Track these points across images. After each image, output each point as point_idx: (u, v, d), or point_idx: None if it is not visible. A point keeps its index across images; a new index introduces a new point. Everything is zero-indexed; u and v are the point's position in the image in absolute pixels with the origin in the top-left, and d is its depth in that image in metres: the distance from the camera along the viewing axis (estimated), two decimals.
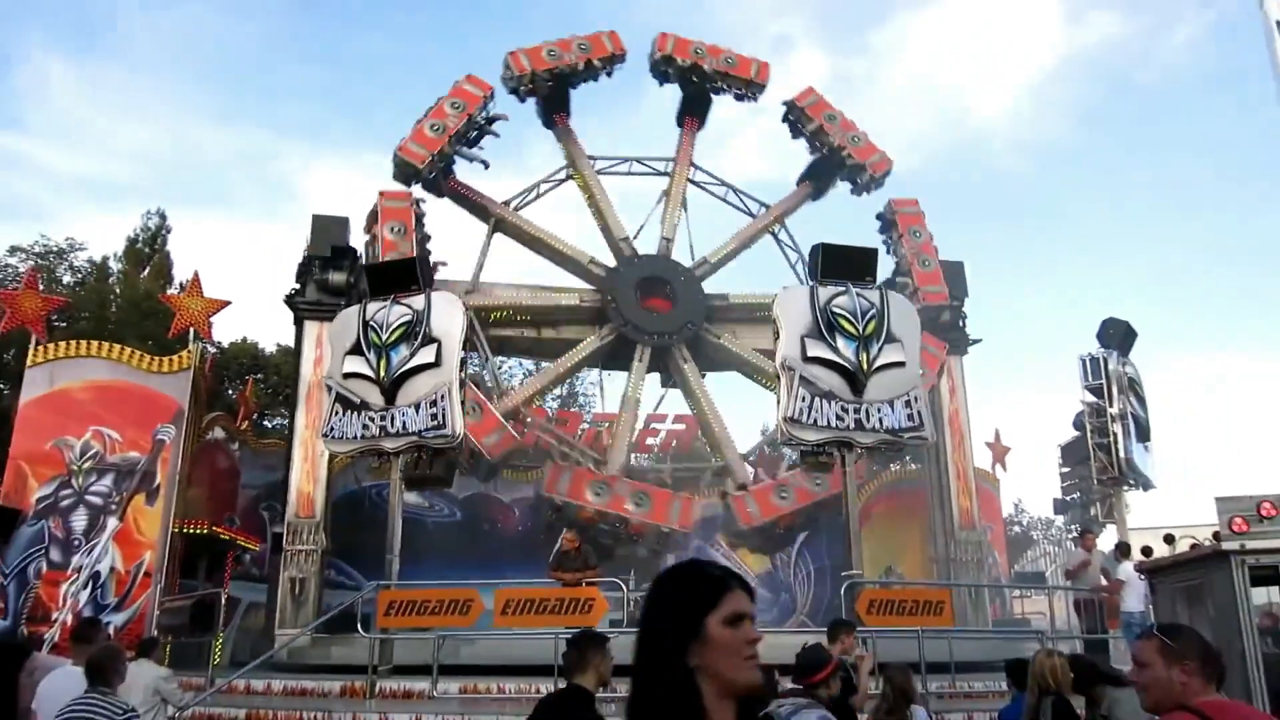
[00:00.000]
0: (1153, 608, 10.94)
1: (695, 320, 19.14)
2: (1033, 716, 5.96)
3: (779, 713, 3.46)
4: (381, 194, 18.03)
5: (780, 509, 17.75)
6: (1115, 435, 16.98)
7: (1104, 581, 12.77)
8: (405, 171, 17.66)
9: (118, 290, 33.53)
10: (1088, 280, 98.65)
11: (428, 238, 18.46)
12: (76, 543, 14.81)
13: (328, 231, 18.20)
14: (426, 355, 12.85)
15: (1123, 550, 12.70)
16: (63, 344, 16.59)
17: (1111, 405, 17.07)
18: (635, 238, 20.00)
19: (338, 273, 17.84)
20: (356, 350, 13.13)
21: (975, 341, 20.51)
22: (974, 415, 19.29)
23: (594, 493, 16.73)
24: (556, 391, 39.98)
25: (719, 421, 19.51)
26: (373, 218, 17.89)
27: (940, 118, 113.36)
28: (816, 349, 12.68)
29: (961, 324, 20.33)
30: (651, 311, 19.09)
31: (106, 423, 15.45)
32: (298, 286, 18.16)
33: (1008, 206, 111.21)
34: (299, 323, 17.99)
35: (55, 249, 32.45)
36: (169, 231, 38.02)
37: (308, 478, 16.65)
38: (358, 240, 18.44)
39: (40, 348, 16.07)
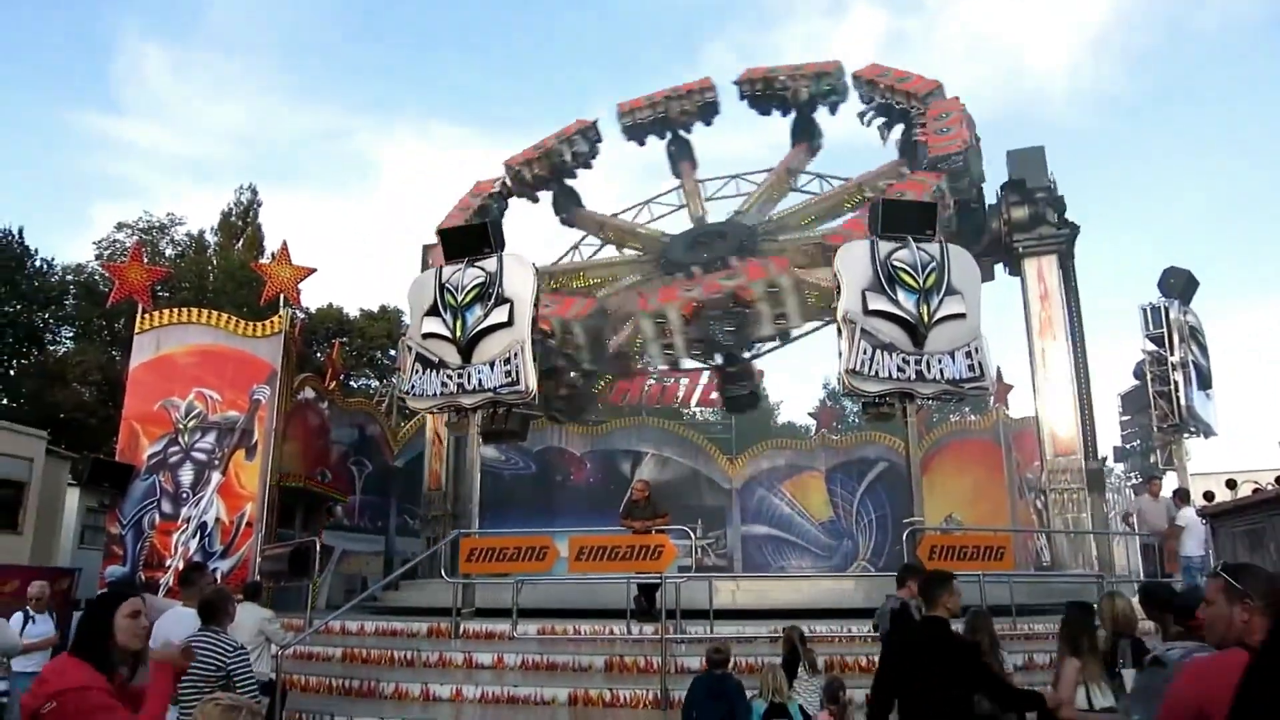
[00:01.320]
0: (1213, 551, 11.03)
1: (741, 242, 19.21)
2: (1109, 659, 5.96)
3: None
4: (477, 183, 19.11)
5: None
6: (1176, 383, 16.76)
7: (1165, 527, 12.79)
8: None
9: (214, 261, 35.15)
10: (1150, 231, 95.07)
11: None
12: (185, 495, 15.90)
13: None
14: (500, 315, 13.36)
15: (1182, 496, 12.65)
16: (166, 312, 17.57)
17: (1173, 354, 16.82)
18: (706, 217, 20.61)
19: None
20: (434, 311, 13.73)
21: (1066, 226, 17.96)
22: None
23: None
24: None
25: None
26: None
27: (996, 74, 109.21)
28: (877, 302, 12.80)
29: (1052, 215, 17.81)
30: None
31: (207, 384, 16.42)
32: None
33: (1067, 159, 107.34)
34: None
35: (157, 224, 34.18)
36: (260, 205, 39.68)
37: (436, 457, 18.97)
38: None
39: (146, 316, 17.10)
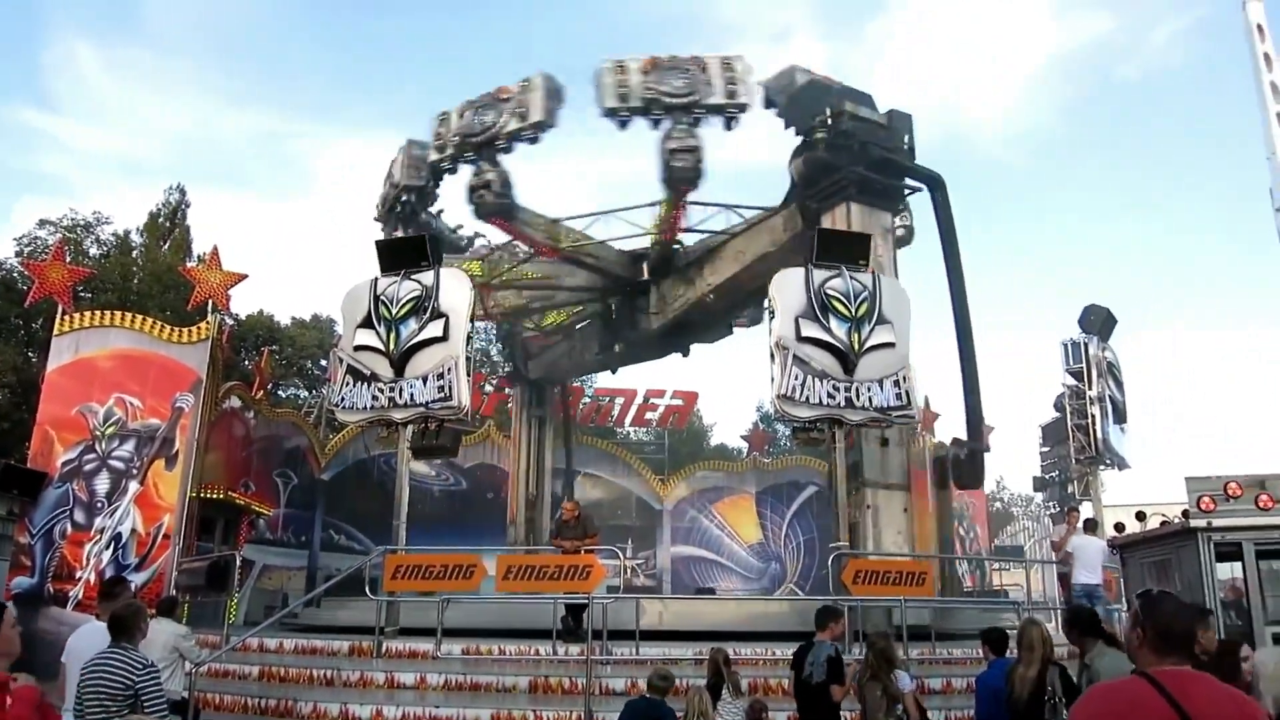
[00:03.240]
0: (1123, 580, 11.39)
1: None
2: (1038, 688, 6.06)
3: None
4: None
5: None
6: (1094, 417, 17.45)
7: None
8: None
9: (140, 263, 34.17)
10: (1074, 265, 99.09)
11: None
12: (99, 505, 15.39)
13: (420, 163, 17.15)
14: (434, 329, 13.24)
15: (1088, 525, 12.98)
16: (87, 314, 17.06)
17: (1091, 388, 17.50)
18: None
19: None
20: (367, 323, 13.54)
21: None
22: (957, 394, 18.82)
23: None
24: None
25: None
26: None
27: (932, 111, 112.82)
28: (810, 329, 13.03)
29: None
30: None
31: (128, 390, 15.97)
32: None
33: (996, 196, 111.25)
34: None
35: (82, 222, 33.07)
36: (188, 206, 38.72)
37: None
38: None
39: (66, 318, 16.57)
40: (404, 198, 17.36)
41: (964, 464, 15.17)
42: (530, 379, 22.23)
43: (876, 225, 15.73)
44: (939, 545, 19.46)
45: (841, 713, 7.85)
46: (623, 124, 16.49)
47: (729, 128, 16.55)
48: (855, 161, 15.75)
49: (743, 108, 16.57)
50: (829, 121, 16.04)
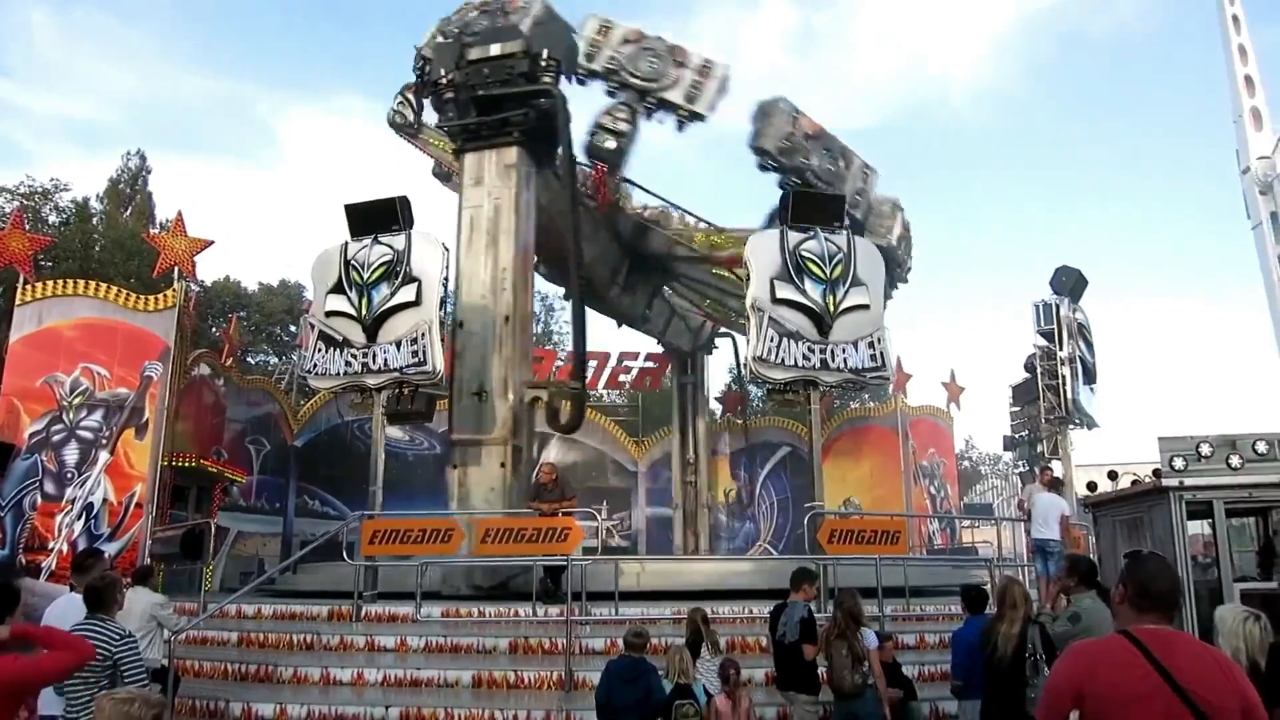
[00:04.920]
0: (1093, 538, 11.60)
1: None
2: (1019, 646, 6.21)
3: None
4: None
5: None
6: (1064, 378, 17.70)
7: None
8: None
9: (101, 230, 33.49)
10: (1045, 225, 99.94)
11: None
12: (69, 475, 15.22)
13: (567, 47, 15.74)
14: (407, 294, 13.13)
15: (1051, 483, 13.00)
16: (50, 283, 16.76)
17: (1061, 349, 17.72)
18: None
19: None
20: (338, 289, 13.40)
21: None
22: (929, 355, 19.57)
23: None
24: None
25: None
26: None
27: (902, 71, 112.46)
28: (785, 291, 13.06)
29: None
30: None
31: (95, 360, 15.74)
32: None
33: (967, 157, 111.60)
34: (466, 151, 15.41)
35: (40, 190, 32.29)
36: (149, 172, 38.02)
37: None
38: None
39: (28, 287, 16.26)
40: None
41: (569, 408, 14.46)
42: None
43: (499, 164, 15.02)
44: (907, 503, 19.79)
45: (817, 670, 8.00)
46: (581, 81, 16.32)
47: (680, 128, 16.55)
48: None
49: (695, 115, 16.51)
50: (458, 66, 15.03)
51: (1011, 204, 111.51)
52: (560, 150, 15.13)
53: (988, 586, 10.16)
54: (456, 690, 9.74)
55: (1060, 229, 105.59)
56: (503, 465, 13.85)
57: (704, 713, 7.23)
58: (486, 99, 14.90)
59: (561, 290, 23.99)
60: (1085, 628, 6.04)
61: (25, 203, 29.85)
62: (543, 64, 14.78)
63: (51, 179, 32.99)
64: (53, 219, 32.44)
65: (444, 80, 15.02)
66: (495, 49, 14.94)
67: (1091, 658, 2.90)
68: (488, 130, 15.05)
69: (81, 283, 16.98)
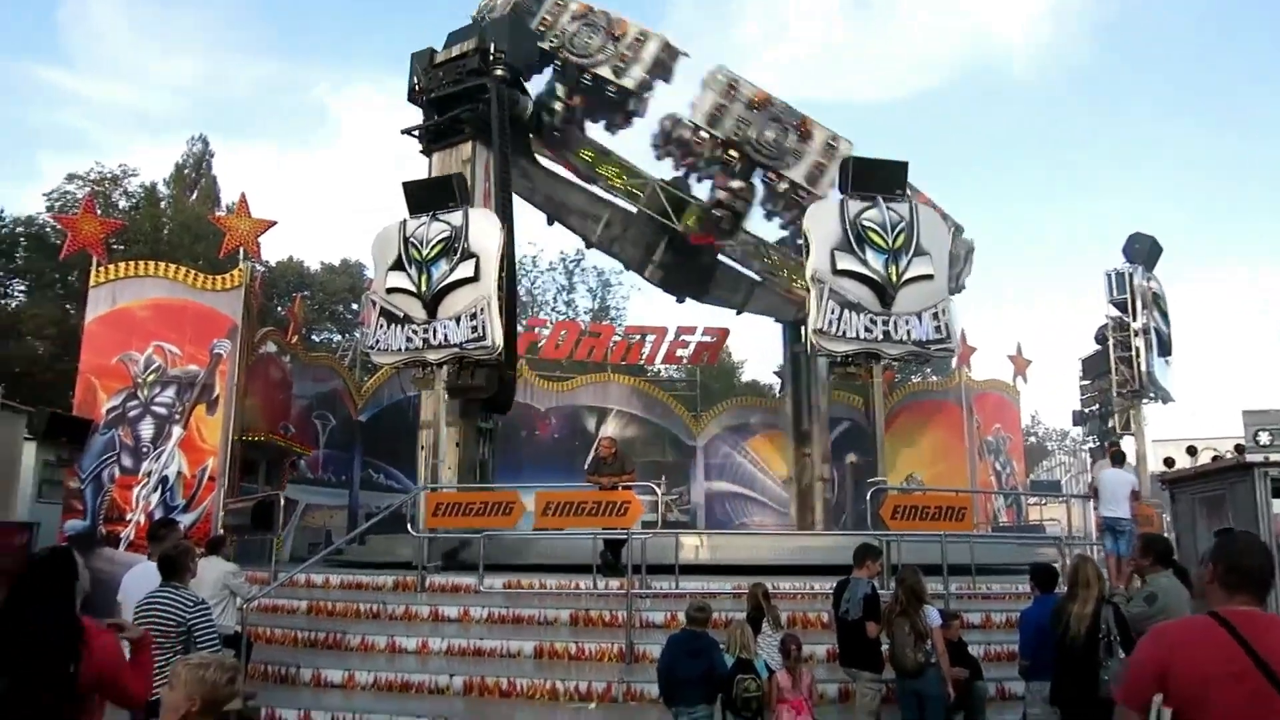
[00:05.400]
0: (1170, 516, 11.21)
1: None
2: (1093, 626, 6.02)
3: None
4: None
5: None
6: (1137, 349, 17.08)
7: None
8: None
9: (169, 214, 34.38)
10: (1115, 195, 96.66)
11: None
12: (145, 450, 15.70)
13: (525, 34, 16.13)
14: (465, 270, 13.24)
15: (1114, 458, 12.53)
16: (122, 264, 17.21)
17: (1135, 320, 17.10)
18: None
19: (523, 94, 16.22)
20: (398, 266, 13.57)
21: None
22: (995, 329, 19.13)
23: None
24: (588, 305, 40.76)
25: None
26: None
27: (960, 35, 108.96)
28: (846, 262, 12.86)
29: None
30: None
31: (166, 338, 16.16)
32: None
33: (1029, 125, 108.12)
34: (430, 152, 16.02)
35: (109, 175, 33.22)
36: (212, 156, 38.95)
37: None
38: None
39: (101, 269, 16.72)
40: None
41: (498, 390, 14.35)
42: None
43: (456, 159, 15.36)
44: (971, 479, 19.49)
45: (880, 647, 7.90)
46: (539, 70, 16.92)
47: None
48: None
49: (622, 92, 16.50)
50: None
51: (1079, 170, 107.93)
52: (498, 140, 15.13)
53: (1057, 565, 9.92)
54: (519, 660, 9.84)
55: (1132, 194, 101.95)
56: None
57: (765, 687, 7.17)
58: (440, 99, 15.53)
59: (619, 265, 24.02)
60: (1162, 608, 5.85)
61: (96, 188, 30.71)
62: (491, 58, 15.23)
63: (120, 165, 33.94)
64: (122, 204, 33.38)
65: (416, 87, 15.77)
66: (456, 50, 15.56)
67: (1176, 638, 2.78)
68: (444, 129, 15.62)
69: (152, 264, 17.41)
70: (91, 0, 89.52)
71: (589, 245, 20.44)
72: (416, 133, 15.93)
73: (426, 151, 15.92)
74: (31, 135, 71.43)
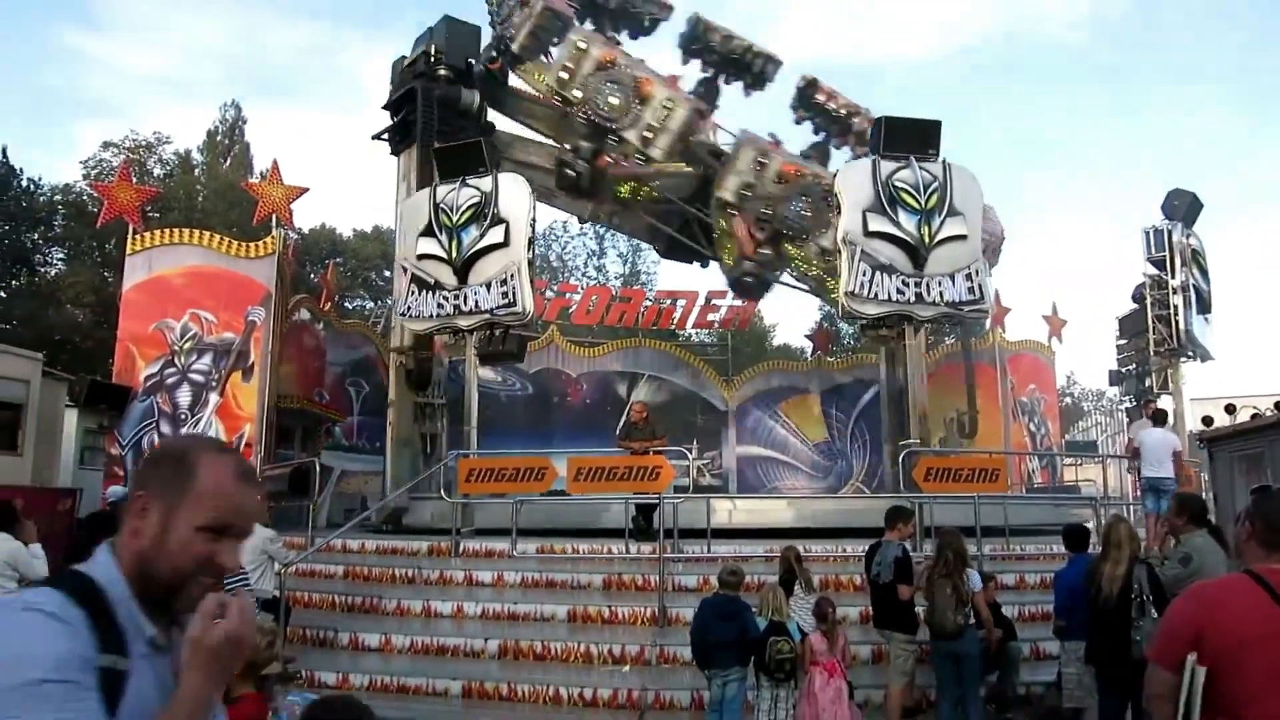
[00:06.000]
0: (1209, 474, 11.08)
1: None
2: (1125, 586, 6.00)
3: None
4: None
5: None
6: (1176, 307, 16.75)
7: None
8: None
9: (203, 181, 34.65)
10: (1154, 150, 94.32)
11: None
12: (183, 417, 15.93)
13: (462, 41, 16.80)
14: (495, 236, 13.23)
15: (1155, 417, 12.35)
16: (158, 233, 17.34)
17: (1174, 277, 16.77)
18: None
19: (468, 90, 16.66)
20: (428, 232, 13.59)
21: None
22: (1031, 289, 18.86)
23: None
24: (619, 270, 40.64)
25: None
26: None
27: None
28: (878, 223, 12.70)
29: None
30: None
31: (202, 305, 16.32)
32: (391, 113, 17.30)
33: (1065, 80, 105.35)
34: (397, 154, 17.03)
35: (144, 143, 33.54)
36: (245, 123, 39.02)
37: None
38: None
39: (138, 237, 16.87)
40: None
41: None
42: None
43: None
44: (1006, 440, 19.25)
45: (914, 609, 7.89)
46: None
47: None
48: None
49: (650, 160, 16.36)
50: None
51: (1116, 127, 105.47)
52: (419, 139, 15.98)
53: (1091, 525, 9.84)
54: (553, 624, 9.96)
55: (1170, 147, 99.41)
56: None
57: (798, 650, 7.21)
58: (395, 102, 16.62)
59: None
60: (1197, 569, 5.81)
61: (131, 156, 31.00)
62: (431, 60, 16.10)
63: (154, 132, 34.24)
64: (157, 171, 33.70)
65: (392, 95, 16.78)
66: (410, 54, 16.62)
67: (1212, 597, 2.75)
68: (399, 133, 16.55)
69: (187, 231, 17.54)
70: None
71: (582, 222, 20.44)
72: (385, 136, 16.91)
73: (395, 153, 16.83)
74: (66, 102, 72.16)
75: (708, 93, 17.95)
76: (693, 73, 18.08)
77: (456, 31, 16.62)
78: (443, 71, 16.12)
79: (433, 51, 16.18)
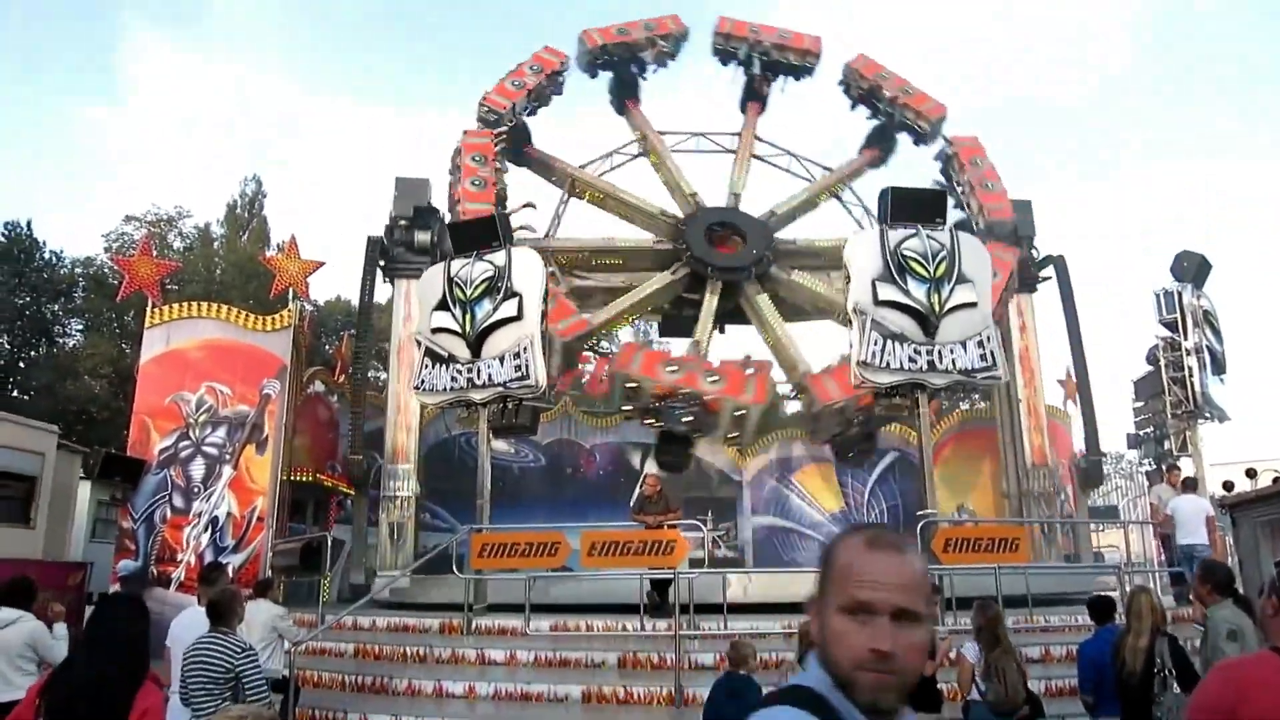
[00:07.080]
0: (1233, 541, 10.87)
1: (765, 253, 18.83)
2: (1149, 659, 5.90)
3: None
4: (466, 132, 18.73)
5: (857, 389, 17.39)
6: (1190, 369, 16.66)
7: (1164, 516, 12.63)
8: (488, 119, 18.96)
9: (221, 254, 35.20)
10: (1162, 208, 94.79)
11: (505, 193, 18.74)
12: (196, 490, 15.91)
13: (412, 192, 18.78)
14: (509, 309, 13.29)
15: (1185, 484, 12.34)
16: (176, 306, 17.56)
17: (1186, 339, 16.72)
18: (700, 198, 20.04)
19: (422, 232, 18.43)
20: (443, 306, 13.67)
21: (1044, 279, 19.63)
22: (1045, 352, 18.96)
23: (668, 370, 16.11)
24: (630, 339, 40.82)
25: (793, 344, 18.80)
26: (456, 156, 18.45)
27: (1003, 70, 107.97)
28: (888, 292, 12.71)
29: (1031, 262, 19.43)
30: (721, 252, 19.12)
31: (217, 378, 16.43)
32: (384, 245, 18.95)
33: (1071, 137, 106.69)
34: (391, 281, 18.88)
35: (165, 217, 34.21)
36: (265, 196, 39.71)
37: (401, 428, 17.41)
38: (440, 198, 18.93)
39: (156, 310, 17.09)
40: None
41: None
42: None
43: None
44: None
45: (939, 686, 7.68)
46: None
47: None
48: None
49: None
50: None
51: (1122, 186, 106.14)
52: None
53: (1115, 594, 9.63)
54: (567, 705, 9.73)
55: (1178, 209, 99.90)
56: None
57: None
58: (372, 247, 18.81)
59: None
60: (1250, 646, 5.63)
61: (152, 229, 31.57)
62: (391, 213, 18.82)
63: (175, 206, 34.91)
64: (177, 244, 34.27)
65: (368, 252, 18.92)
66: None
67: (1247, 677, 2.64)
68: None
69: (205, 305, 17.76)
70: (145, 42, 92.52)
71: None
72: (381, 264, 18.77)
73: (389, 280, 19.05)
74: (90, 175, 73.84)
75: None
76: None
77: (405, 192, 18.80)
78: (401, 221, 18.51)
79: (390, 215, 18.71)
